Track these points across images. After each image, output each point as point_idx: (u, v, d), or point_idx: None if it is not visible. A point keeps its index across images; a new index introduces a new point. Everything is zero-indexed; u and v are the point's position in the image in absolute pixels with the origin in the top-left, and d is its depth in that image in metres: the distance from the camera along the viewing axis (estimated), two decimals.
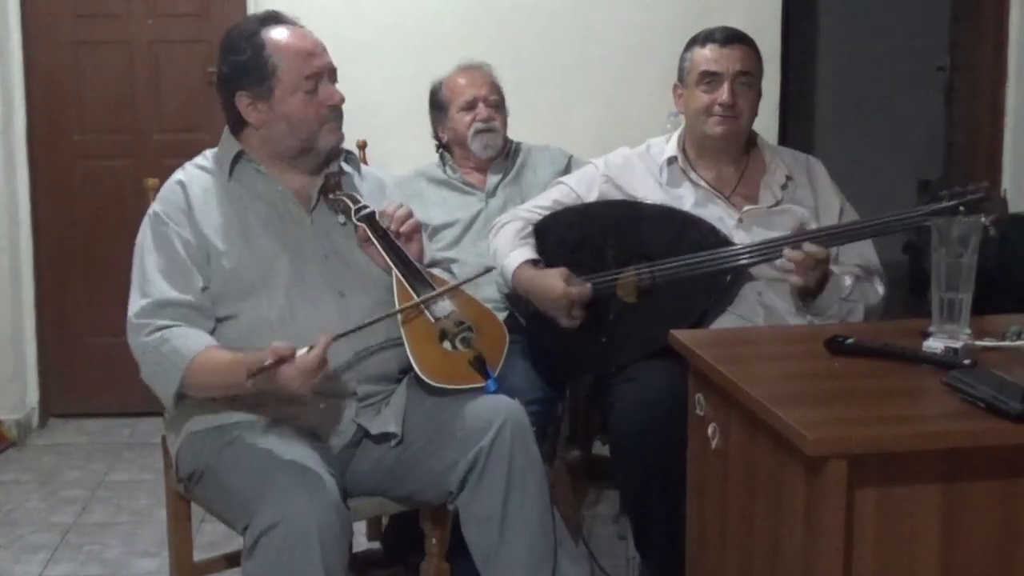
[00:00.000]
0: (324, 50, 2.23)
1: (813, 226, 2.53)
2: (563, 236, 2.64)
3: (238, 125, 2.24)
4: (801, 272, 2.36)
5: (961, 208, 2.27)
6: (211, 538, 2.98)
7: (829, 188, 2.66)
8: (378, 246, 2.22)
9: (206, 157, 2.29)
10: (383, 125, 3.68)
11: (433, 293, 2.19)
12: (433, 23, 4.05)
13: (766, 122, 3.58)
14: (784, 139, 4.31)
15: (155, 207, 2.21)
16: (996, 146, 4.25)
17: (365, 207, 2.24)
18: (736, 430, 1.89)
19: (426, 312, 2.18)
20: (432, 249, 2.48)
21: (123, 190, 4.08)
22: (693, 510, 2.13)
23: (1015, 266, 2.99)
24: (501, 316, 2.43)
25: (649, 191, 2.62)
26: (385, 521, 2.85)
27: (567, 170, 3.07)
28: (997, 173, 4.18)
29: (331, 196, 2.26)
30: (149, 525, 3.26)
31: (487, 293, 2.68)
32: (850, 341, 1.96)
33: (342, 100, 2.24)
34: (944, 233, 1.95)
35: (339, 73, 2.25)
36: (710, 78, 2.57)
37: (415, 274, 2.21)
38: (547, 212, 2.68)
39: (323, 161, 2.27)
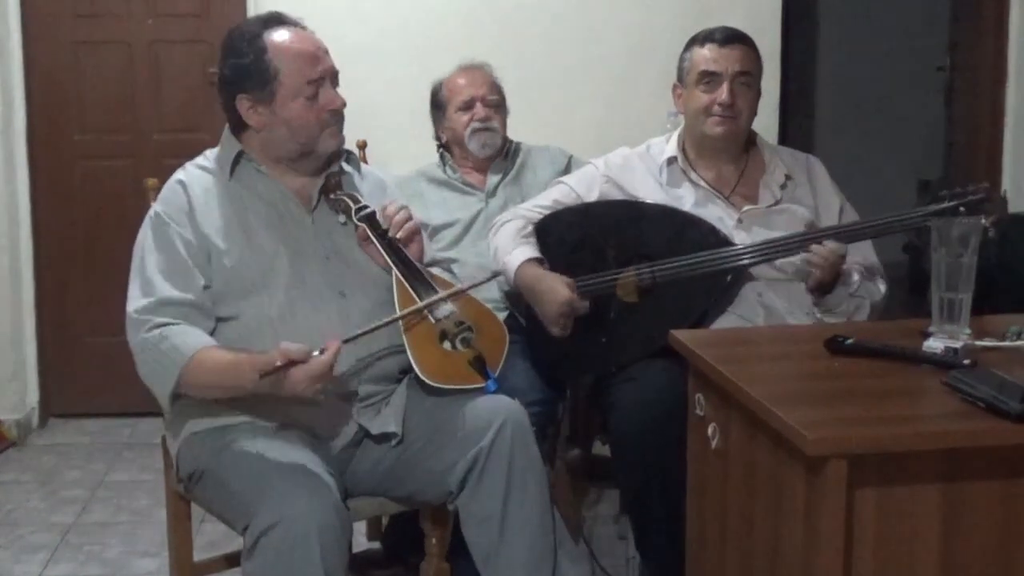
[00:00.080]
0: (326, 53, 2.21)
1: (817, 225, 2.53)
2: (563, 236, 2.65)
3: (239, 126, 2.23)
4: (827, 269, 2.37)
5: (961, 208, 2.27)
6: (211, 538, 2.98)
7: (829, 187, 2.67)
8: (378, 246, 2.22)
9: (207, 157, 2.29)
10: (384, 126, 3.69)
11: (436, 297, 2.18)
12: (436, 24, 4.05)
13: (766, 122, 3.59)
14: (784, 139, 4.31)
15: (156, 207, 2.20)
16: (996, 146, 4.25)
17: (366, 207, 2.24)
18: (736, 430, 1.89)
19: (426, 313, 2.18)
20: (432, 249, 2.48)
21: (123, 190, 4.07)
22: (693, 510, 2.13)
23: (1015, 266, 2.99)
24: (501, 316, 2.43)
25: (649, 191, 2.63)
26: (385, 521, 2.84)
27: (567, 170, 3.07)
28: (997, 173, 4.18)
29: (332, 196, 2.26)
30: (149, 525, 3.26)
31: (487, 293, 2.68)
32: (850, 341, 1.96)
33: (343, 105, 2.22)
34: (944, 233, 1.95)
35: (341, 75, 2.24)
36: (709, 78, 2.57)
37: (415, 274, 2.21)
38: (547, 211, 2.68)
39: (323, 164, 2.26)
